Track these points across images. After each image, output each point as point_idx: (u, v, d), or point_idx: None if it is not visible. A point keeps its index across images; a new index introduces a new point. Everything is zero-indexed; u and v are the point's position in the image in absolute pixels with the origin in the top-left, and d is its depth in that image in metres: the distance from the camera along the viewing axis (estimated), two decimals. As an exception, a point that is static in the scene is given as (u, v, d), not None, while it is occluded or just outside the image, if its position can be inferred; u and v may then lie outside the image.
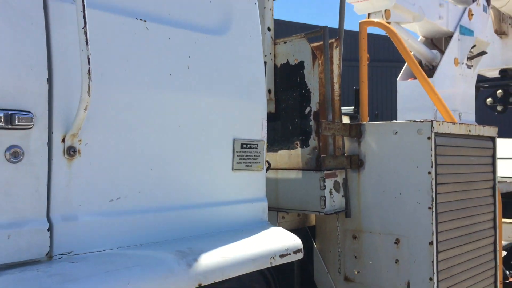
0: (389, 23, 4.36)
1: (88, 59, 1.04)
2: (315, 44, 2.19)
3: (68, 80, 1.12)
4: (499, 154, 3.20)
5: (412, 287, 2.04)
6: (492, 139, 2.52)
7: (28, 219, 1.08)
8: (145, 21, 1.26)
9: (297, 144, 2.12)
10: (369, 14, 4.41)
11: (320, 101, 2.09)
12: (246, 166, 1.54)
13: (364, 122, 2.21)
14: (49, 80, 1.08)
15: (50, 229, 1.10)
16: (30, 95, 1.06)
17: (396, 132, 2.09)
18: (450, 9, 4.98)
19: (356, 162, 2.17)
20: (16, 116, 1.02)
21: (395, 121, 2.15)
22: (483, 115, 6.27)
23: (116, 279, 1.06)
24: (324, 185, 2.05)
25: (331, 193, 2.09)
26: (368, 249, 2.16)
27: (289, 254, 1.46)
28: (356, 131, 2.17)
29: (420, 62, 4.89)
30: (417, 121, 2.05)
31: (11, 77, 1.04)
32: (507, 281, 3.34)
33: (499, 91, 7.37)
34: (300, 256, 1.49)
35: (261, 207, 1.62)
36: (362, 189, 2.17)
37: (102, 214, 1.19)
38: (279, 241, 1.49)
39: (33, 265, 1.06)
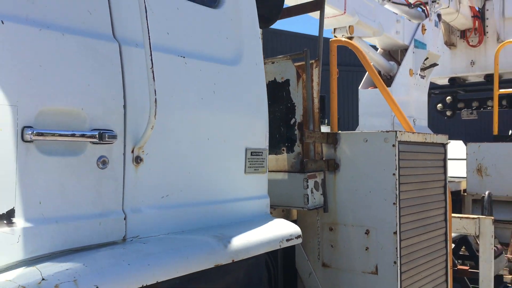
0: (352, 37, 4.81)
1: (155, 91, 1.35)
2: (298, 64, 2.56)
3: (135, 106, 1.43)
4: (448, 155, 3.68)
5: (379, 270, 2.44)
6: (444, 145, 2.96)
7: (111, 211, 1.39)
8: (184, 57, 1.58)
9: (283, 150, 2.48)
10: (334, 29, 4.84)
11: (303, 114, 2.46)
12: (254, 169, 1.89)
13: (340, 132, 2.59)
14: (124, 107, 1.39)
15: (125, 218, 1.42)
16: (113, 118, 1.37)
17: (367, 140, 2.48)
18: (406, 24, 5.50)
19: (333, 165, 2.55)
20: (105, 134, 1.33)
21: (366, 131, 2.55)
22: (434, 119, 6.85)
23: (179, 255, 1.39)
24: (307, 185, 2.42)
25: (312, 192, 2.46)
26: (343, 239, 2.54)
27: (293, 239, 1.83)
28: (332, 139, 2.55)
29: (379, 72, 5.37)
30: (383, 131, 2.46)
31: (100, 106, 1.34)
32: (456, 268, 3.82)
33: (448, 97, 8.00)
34: (300, 240, 1.86)
35: (265, 202, 1.97)
36: (337, 188, 2.55)
37: (156, 208, 1.50)
38: (284, 229, 1.85)
39: (116, 245, 1.37)
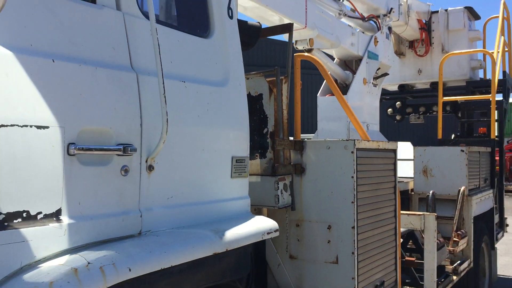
0: (312, 49, 5.20)
1: (166, 112, 1.64)
2: (269, 79, 2.90)
3: (149, 124, 1.71)
4: (398, 156, 4.12)
5: (339, 260, 2.81)
6: (394, 151, 3.37)
7: (131, 210, 1.67)
8: (184, 82, 1.87)
9: (257, 156, 2.81)
10: (296, 41, 5.22)
11: (274, 124, 2.80)
12: (239, 174, 2.20)
13: (306, 140, 2.95)
14: (141, 125, 1.68)
15: (141, 216, 1.70)
16: (132, 135, 1.65)
17: (329, 147, 2.85)
18: (360, 37, 5.94)
19: (299, 169, 2.90)
20: (128, 148, 1.61)
21: (328, 139, 2.92)
22: (385, 123, 7.34)
23: (186, 244, 1.69)
24: (277, 187, 2.76)
25: (281, 193, 2.81)
26: (308, 234, 2.90)
27: (272, 232, 2.16)
28: (299, 146, 2.91)
29: (336, 81, 5.79)
30: (344, 140, 2.83)
31: (123, 125, 1.62)
32: (404, 259, 4.27)
33: (398, 103, 8.54)
34: (277, 234, 2.19)
35: (247, 202, 2.29)
36: (303, 189, 2.91)
37: (164, 207, 1.80)
38: (264, 224, 2.18)
39: (135, 237, 1.65)
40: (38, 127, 1.38)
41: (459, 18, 7.70)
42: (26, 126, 1.34)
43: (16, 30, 1.34)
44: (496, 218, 6.84)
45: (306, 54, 4.14)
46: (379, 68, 6.21)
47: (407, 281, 4.33)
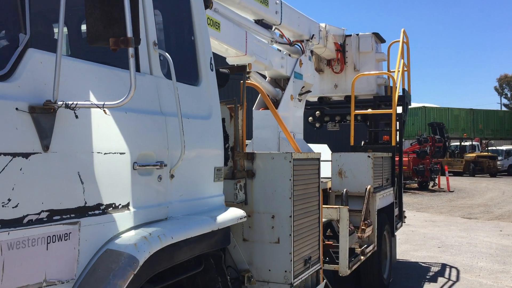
0: (250, 71, 6.21)
1: (184, 141, 2.55)
2: (229, 106, 3.85)
3: (172, 148, 2.60)
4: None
5: (280, 240, 3.82)
6: (318, 159, 4.46)
7: (162, 203, 2.53)
8: (188, 118, 2.78)
9: (220, 164, 3.75)
10: (236, 64, 6.20)
11: (234, 141, 3.76)
12: (218, 179, 3.12)
13: (256, 152, 3.94)
14: (168, 149, 2.56)
15: (168, 207, 2.59)
16: (164, 155, 2.54)
17: (273, 158, 3.86)
18: (288, 60, 7.04)
19: (251, 174, 3.88)
20: (162, 164, 2.49)
21: (273, 152, 3.94)
22: (306, 129, 8.51)
23: (197, 224, 2.60)
24: (236, 187, 3.73)
25: (238, 191, 3.77)
26: (257, 222, 3.89)
27: (243, 218, 3.13)
28: (251, 157, 3.89)
29: (268, 97, 6.84)
30: (284, 153, 3.85)
31: (159, 149, 2.50)
32: (324, 243, 5.39)
33: (317, 112, 9.73)
34: (245, 219, 3.17)
35: (223, 198, 3.23)
36: (254, 189, 3.89)
37: (178, 201, 2.67)
38: (237, 213, 3.13)
39: (165, 220, 2.53)
40: (120, 153, 2.24)
41: (367, 42, 9.02)
42: (115, 153, 2.20)
43: (103, 94, 2.18)
44: (396, 211, 8.24)
45: (250, 81, 5.14)
46: (303, 86, 7.36)
47: (326, 259, 5.46)
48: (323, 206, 4.97)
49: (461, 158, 37.84)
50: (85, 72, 2.13)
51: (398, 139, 8.42)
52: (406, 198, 21.24)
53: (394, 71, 8.65)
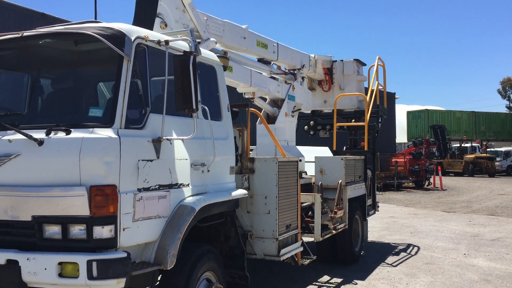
0: (254, 98, 8.57)
1: (214, 155, 4.90)
2: (239, 128, 6.20)
3: (208, 156, 4.96)
4: (306, 158, 7.66)
5: (270, 212, 6.12)
6: (297, 161, 6.79)
7: (204, 185, 4.88)
8: (216, 140, 5.12)
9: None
10: (244, 93, 8.56)
11: (241, 150, 6.11)
12: (232, 173, 5.43)
13: (255, 157, 6.29)
14: (206, 156, 4.93)
15: (206, 188, 4.94)
16: (209, 160, 4.91)
17: (265, 161, 6.20)
18: (283, 86, 9.36)
19: (252, 171, 6.22)
20: (204, 164, 4.87)
21: (267, 157, 6.28)
22: (303, 136, 10.80)
23: (224, 195, 5.00)
24: (243, 179, 6.08)
25: (244, 181, 6.12)
26: (256, 200, 6.21)
27: (246, 195, 5.51)
28: (252, 160, 6.23)
29: (268, 115, 9.20)
30: (273, 157, 6.19)
31: (207, 158, 4.87)
32: (304, 219, 7.71)
33: (312, 122, 11.99)
34: (247, 195, 5.55)
35: (234, 184, 5.52)
36: (254, 180, 6.22)
37: (211, 184, 5.00)
38: (242, 192, 5.48)
39: (205, 193, 4.86)
40: (186, 159, 4.61)
41: (350, 66, 11.28)
42: (184, 159, 4.57)
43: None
44: (370, 202, 10.51)
45: (253, 110, 7.46)
46: (295, 106, 9.69)
47: (306, 232, 7.76)
48: (303, 193, 7.30)
49: (460, 159, 39.55)
50: (173, 121, 4.49)
51: (372, 144, 10.66)
52: (400, 195, 23.47)
53: (374, 89, 10.84)
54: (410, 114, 48.35)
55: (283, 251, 6.23)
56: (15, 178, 3.94)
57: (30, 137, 3.89)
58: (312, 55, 10.61)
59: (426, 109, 48.58)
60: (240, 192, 5.52)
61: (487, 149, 42.17)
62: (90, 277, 3.67)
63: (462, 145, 42.43)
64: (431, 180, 28.38)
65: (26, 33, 4.45)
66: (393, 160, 28.12)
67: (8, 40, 4.51)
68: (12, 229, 3.99)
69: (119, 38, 4.12)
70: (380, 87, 11.47)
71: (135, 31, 4.30)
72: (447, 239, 11.69)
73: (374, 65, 11.55)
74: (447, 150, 39.85)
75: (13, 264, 3.81)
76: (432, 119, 46.53)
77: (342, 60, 11.46)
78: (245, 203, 6.20)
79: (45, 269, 3.73)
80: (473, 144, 43.41)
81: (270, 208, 6.16)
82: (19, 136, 3.95)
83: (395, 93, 38.11)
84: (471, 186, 28.57)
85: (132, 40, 4.19)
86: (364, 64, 11.94)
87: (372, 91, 10.79)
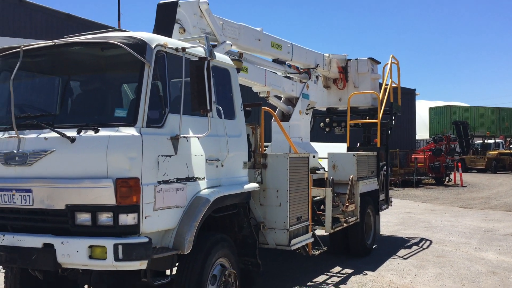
0: (268, 96, 8.99)
1: (228, 150, 5.35)
2: (252, 126, 6.63)
3: (222, 152, 5.43)
4: (320, 154, 8.08)
5: (282, 205, 6.52)
6: (307, 157, 7.19)
7: (219, 179, 5.33)
8: (229, 137, 5.56)
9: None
10: (259, 92, 8.98)
11: (254, 146, 6.54)
12: (245, 167, 5.87)
13: (267, 153, 6.71)
14: (221, 152, 5.39)
15: (220, 181, 5.39)
16: (223, 156, 5.38)
17: (277, 156, 6.62)
18: (297, 85, 9.75)
19: (265, 166, 6.63)
20: (220, 160, 5.33)
21: (278, 153, 6.69)
22: (319, 133, 11.18)
23: (237, 188, 5.46)
24: (255, 174, 6.51)
25: (257, 176, 6.56)
26: (268, 193, 6.61)
27: (257, 188, 5.94)
28: (265, 156, 6.66)
29: (283, 113, 9.61)
30: (285, 153, 6.61)
31: (222, 154, 5.33)
32: (316, 212, 8.11)
33: (327, 119, 12.33)
34: (258, 188, 5.99)
35: (247, 178, 5.95)
36: (266, 174, 6.64)
37: (225, 177, 5.45)
38: (254, 185, 5.92)
39: (219, 186, 5.32)
40: (201, 155, 5.07)
41: (364, 65, 11.55)
42: (200, 155, 5.03)
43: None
44: (383, 197, 10.82)
45: (266, 108, 7.88)
46: (309, 104, 10.07)
47: (318, 224, 8.16)
48: (313, 188, 7.69)
49: (483, 156, 39.22)
50: (189, 120, 4.94)
51: (385, 141, 10.97)
52: (418, 191, 23.61)
53: (387, 87, 11.13)
54: (432, 110, 48.05)
55: (293, 241, 6.64)
56: (50, 171, 4.45)
57: (63, 135, 4.40)
58: (327, 54, 10.94)
59: (449, 105, 48.24)
60: (252, 185, 5.96)
61: (511, 146, 41.67)
62: (116, 258, 4.17)
63: (485, 141, 42.01)
64: (451, 176, 28.35)
65: (58, 41, 4.95)
66: (412, 156, 28.17)
67: (42, 47, 5.02)
68: (48, 217, 4.51)
69: (141, 46, 4.59)
70: (394, 85, 11.72)
71: (155, 39, 4.77)
72: (460, 234, 11.93)
73: (388, 63, 11.82)
74: (470, 146, 39.61)
75: (49, 247, 4.34)
76: (454, 115, 46.14)
77: (356, 59, 11.73)
78: (258, 196, 6.63)
79: (77, 251, 4.24)
80: (496, 141, 42.94)
81: (281, 201, 6.58)
82: (53, 134, 4.46)
83: (415, 89, 38.02)
84: (492, 182, 28.43)
85: (153, 48, 4.66)
86: (379, 63, 12.20)
87: (385, 89, 11.06)
